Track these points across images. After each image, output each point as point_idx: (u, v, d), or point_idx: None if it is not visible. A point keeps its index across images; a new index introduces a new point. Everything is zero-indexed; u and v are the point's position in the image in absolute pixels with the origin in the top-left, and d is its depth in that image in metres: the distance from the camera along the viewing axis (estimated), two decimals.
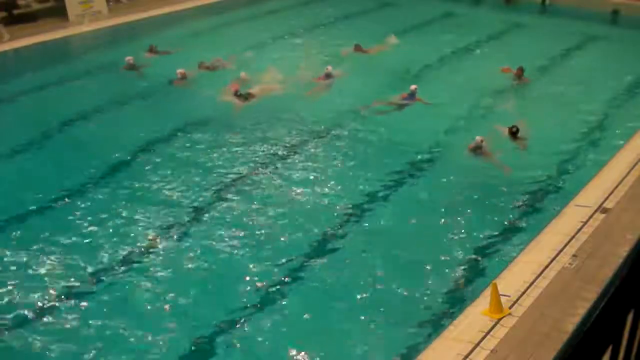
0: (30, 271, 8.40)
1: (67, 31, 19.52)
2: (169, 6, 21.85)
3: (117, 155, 11.65)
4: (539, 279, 7.61)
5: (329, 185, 10.62)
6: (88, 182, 10.76)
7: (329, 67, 15.20)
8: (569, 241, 8.32)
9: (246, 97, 13.88)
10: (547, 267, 7.82)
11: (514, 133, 11.71)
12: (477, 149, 11.29)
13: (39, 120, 13.36)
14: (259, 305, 7.75)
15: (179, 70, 15.04)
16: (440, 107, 13.66)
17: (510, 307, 7.12)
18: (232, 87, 14.20)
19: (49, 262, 8.57)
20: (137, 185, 10.63)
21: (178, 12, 21.63)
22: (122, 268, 8.47)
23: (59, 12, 20.38)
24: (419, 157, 11.47)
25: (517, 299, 7.26)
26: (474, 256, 8.62)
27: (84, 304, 7.82)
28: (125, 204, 10.04)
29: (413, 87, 13.90)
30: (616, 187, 9.70)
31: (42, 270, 8.40)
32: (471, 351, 6.51)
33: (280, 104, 13.82)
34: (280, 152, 11.81)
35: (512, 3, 22.33)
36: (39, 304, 7.83)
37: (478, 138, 11.33)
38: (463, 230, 9.19)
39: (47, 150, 12.09)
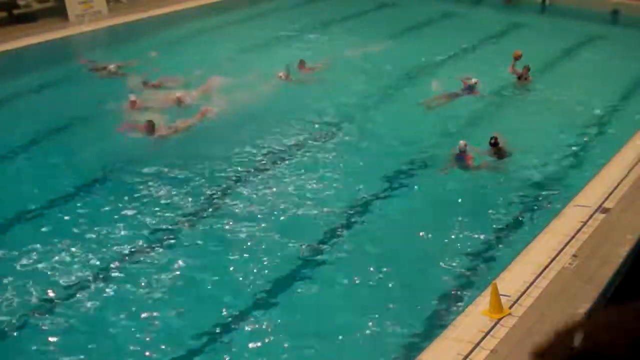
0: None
1: (67, 31, 19.52)
2: (169, 6, 21.84)
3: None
4: (539, 279, 7.61)
5: (328, 181, 10.63)
6: (73, 188, 10.67)
7: (281, 73, 14.96)
8: (569, 241, 8.32)
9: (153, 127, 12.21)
10: (547, 267, 7.82)
11: (492, 144, 11.18)
12: (461, 153, 11.10)
13: (36, 121, 13.32)
14: (254, 309, 7.76)
15: (131, 99, 13.49)
16: (440, 108, 13.67)
17: (510, 307, 7.13)
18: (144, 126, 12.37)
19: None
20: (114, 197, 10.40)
21: (178, 12, 21.61)
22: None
23: (59, 12, 20.37)
24: (418, 158, 11.45)
25: (517, 299, 7.26)
26: (474, 256, 8.62)
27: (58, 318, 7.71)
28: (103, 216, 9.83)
29: (474, 80, 14.02)
30: (616, 187, 9.70)
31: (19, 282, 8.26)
32: (471, 351, 6.52)
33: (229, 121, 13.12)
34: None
35: (513, 3, 22.32)
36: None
37: (462, 142, 11.12)
38: (463, 230, 9.19)
39: (39, 154, 12.04)
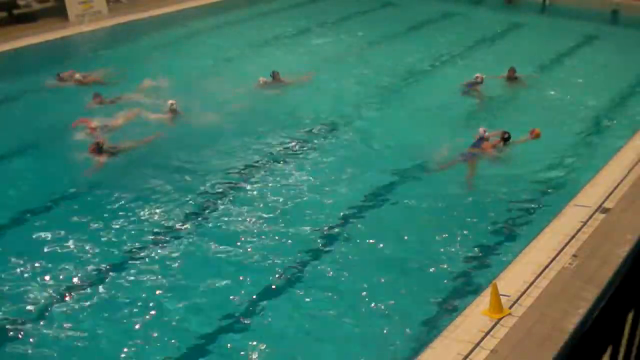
0: None
1: (67, 31, 19.53)
2: (169, 6, 21.86)
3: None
4: (539, 279, 7.61)
5: (324, 183, 10.63)
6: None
7: (262, 79, 14.56)
8: (569, 241, 8.32)
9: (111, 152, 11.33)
10: (547, 267, 7.82)
11: (505, 139, 11.52)
12: (480, 140, 11.40)
13: (32, 122, 13.27)
14: (251, 313, 7.74)
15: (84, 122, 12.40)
16: (439, 108, 13.68)
17: (510, 307, 7.12)
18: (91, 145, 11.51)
19: None
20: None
21: (178, 12, 21.61)
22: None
23: (59, 12, 20.38)
24: (416, 159, 11.43)
25: (517, 299, 7.26)
26: (474, 256, 8.62)
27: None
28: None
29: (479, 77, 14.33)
30: (616, 187, 9.70)
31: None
32: (471, 351, 6.51)
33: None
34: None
35: (513, 3, 22.31)
36: None
37: (480, 129, 11.48)
38: (463, 230, 9.18)
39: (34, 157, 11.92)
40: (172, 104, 13.02)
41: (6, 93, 14.72)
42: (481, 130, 11.57)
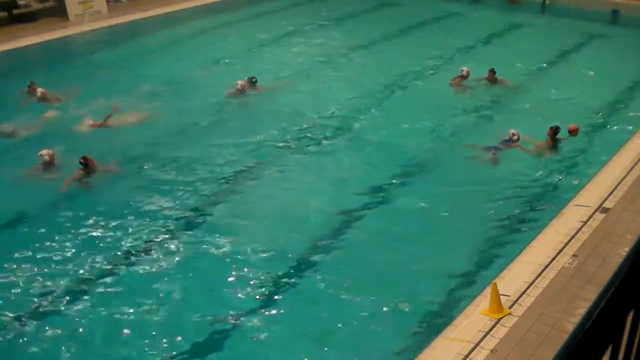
0: None
1: (67, 31, 19.53)
2: (168, 6, 21.86)
3: None
4: (539, 279, 7.61)
5: (324, 182, 10.64)
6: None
7: (239, 82, 14.08)
8: (569, 241, 8.32)
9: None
10: (547, 267, 7.82)
11: (555, 133, 11.56)
12: (509, 141, 11.48)
13: None
14: (253, 309, 7.75)
15: (43, 152, 10.95)
16: (439, 107, 13.67)
17: (510, 307, 7.13)
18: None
19: None
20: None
21: (178, 12, 21.62)
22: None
23: (59, 12, 20.39)
24: (415, 159, 11.45)
25: (517, 299, 7.26)
26: (474, 256, 8.62)
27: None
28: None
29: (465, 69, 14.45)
30: (616, 187, 9.70)
31: None
32: (471, 351, 6.51)
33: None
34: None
35: (517, 3, 22.29)
36: None
37: (511, 131, 11.50)
38: (463, 230, 9.19)
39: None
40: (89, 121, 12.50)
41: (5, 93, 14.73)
42: (511, 132, 11.53)
